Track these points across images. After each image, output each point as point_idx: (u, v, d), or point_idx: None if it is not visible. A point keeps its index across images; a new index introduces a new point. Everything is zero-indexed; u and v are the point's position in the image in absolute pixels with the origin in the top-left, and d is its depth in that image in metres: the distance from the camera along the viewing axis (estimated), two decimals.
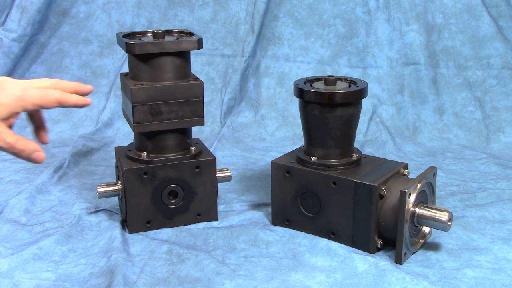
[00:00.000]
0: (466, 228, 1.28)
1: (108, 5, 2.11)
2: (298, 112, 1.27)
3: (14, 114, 0.81)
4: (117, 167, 1.34)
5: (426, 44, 2.01)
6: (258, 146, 1.86)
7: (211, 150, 1.64)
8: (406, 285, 1.05)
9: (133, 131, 1.27)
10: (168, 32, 1.32)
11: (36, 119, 0.90)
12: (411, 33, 2.02)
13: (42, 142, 0.91)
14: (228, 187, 1.50)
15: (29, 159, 0.83)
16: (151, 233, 1.26)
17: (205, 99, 1.31)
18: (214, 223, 1.31)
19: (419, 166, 1.63)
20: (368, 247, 1.17)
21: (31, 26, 2.04)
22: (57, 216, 1.34)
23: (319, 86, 1.23)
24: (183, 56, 1.25)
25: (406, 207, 1.10)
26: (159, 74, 1.23)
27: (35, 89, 0.83)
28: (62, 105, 0.84)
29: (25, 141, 0.82)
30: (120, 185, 1.27)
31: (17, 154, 0.82)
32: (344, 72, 2.03)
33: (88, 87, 0.88)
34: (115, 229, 1.24)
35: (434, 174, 1.21)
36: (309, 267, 1.13)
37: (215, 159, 1.30)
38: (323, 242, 1.20)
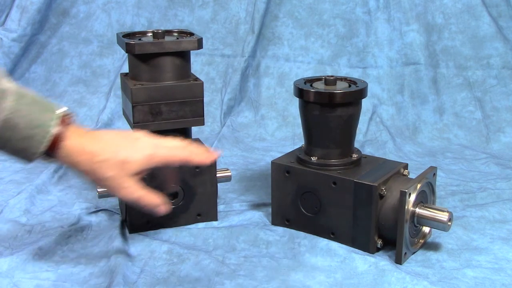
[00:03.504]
0: (466, 228, 1.28)
1: (108, 5, 2.11)
2: (298, 112, 1.27)
3: (144, 170, 0.85)
4: None
5: (426, 44, 2.01)
6: (258, 146, 1.86)
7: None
8: (406, 285, 1.05)
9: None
10: (168, 32, 1.32)
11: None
12: (411, 33, 2.02)
13: None
14: (228, 187, 1.50)
15: (150, 211, 0.88)
16: (151, 233, 1.26)
17: (205, 99, 1.31)
18: (214, 223, 1.31)
19: (419, 166, 1.62)
20: (368, 247, 1.17)
21: (31, 26, 2.04)
22: (57, 216, 1.34)
23: (319, 86, 1.23)
24: (183, 56, 1.25)
25: (406, 207, 1.10)
26: (159, 74, 1.23)
27: (165, 148, 0.86)
28: (186, 164, 0.88)
29: (150, 196, 0.86)
30: None
31: (141, 206, 0.87)
32: (344, 72, 2.02)
33: (216, 154, 0.90)
34: (115, 229, 1.24)
35: (434, 174, 1.21)
36: (309, 267, 1.13)
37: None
38: (323, 242, 1.20)
